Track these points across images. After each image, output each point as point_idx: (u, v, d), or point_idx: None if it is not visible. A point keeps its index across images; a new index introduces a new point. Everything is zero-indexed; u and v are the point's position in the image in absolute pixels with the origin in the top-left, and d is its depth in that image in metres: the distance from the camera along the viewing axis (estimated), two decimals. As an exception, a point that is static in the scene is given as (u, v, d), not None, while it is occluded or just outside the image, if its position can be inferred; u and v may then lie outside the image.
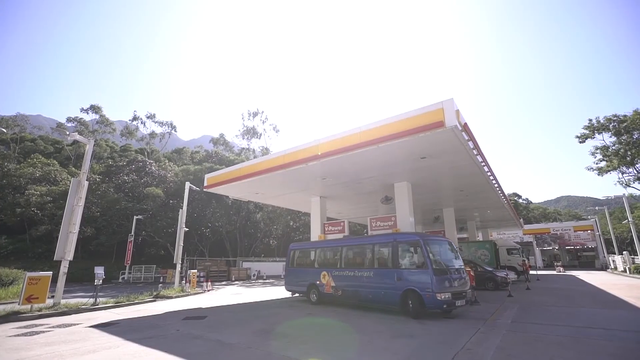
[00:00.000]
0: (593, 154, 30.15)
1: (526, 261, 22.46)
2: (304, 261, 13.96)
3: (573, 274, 28.34)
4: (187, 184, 19.93)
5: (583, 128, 29.67)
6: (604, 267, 35.67)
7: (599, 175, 30.25)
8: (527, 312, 9.94)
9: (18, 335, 7.51)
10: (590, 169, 30.64)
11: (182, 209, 19.21)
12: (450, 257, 9.95)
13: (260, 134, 56.98)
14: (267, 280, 29.27)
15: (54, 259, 11.52)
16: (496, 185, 15.91)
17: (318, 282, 12.39)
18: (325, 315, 10.09)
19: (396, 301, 9.50)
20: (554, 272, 31.35)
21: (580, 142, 30.11)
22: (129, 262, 27.58)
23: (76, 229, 11.81)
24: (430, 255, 9.13)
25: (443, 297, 8.59)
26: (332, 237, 16.29)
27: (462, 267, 9.96)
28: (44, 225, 31.41)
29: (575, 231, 42.50)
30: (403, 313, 9.47)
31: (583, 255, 44.36)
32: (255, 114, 56.96)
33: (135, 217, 28.99)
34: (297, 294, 15.77)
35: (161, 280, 24.97)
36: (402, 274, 9.60)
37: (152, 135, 62.53)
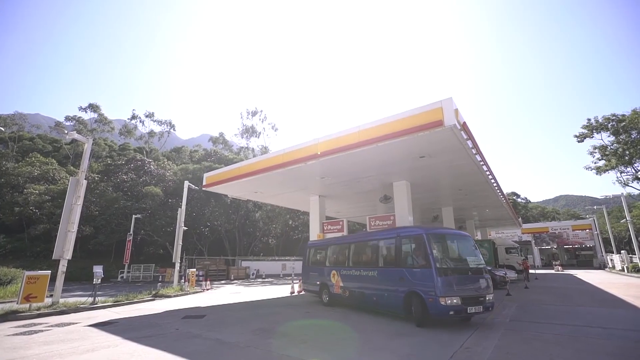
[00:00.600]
0: (591, 153, 30.26)
1: (526, 260, 22.50)
2: (318, 259, 13.27)
3: (571, 273, 28.44)
4: (186, 183, 19.91)
5: (582, 127, 29.76)
6: (602, 266, 35.80)
7: (597, 174, 30.38)
8: (526, 311, 9.97)
9: (16, 334, 7.49)
10: (588, 168, 30.75)
11: (181, 207, 19.17)
12: (465, 254, 8.52)
13: (260, 133, 56.98)
14: (266, 279, 29.28)
15: (53, 257, 11.52)
16: (495, 184, 15.94)
17: (329, 282, 11.73)
18: (325, 314, 10.09)
19: (399, 305, 8.44)
20: (553, 271, 31.45)
21: (578, 142, 30.21)
22: (128, 261, 27.54)
23: (75, 227, 11.79)
24: (435, 252, 7.88)
25: (449, 302, 7.27)
26: (331, 236, 16.34)
27: (482, 266, 8.34)
28: (43, 224, 31.32)
29: (573, 230, 42.64)
30: (407, 319, 8.43)
31: (581, 254, 44.49)
32: (254, 113, 56.94)
33: (134, 216, 28.95)
34: (294, 293, 15.83)
35: (160, 279, 24.90)
36: (404, 274, 8.45)
37: (151, 134, 62.39)
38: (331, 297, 11.60)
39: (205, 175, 16.78)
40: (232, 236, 39.44)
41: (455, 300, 7.35)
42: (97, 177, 36.19)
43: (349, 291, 10.65)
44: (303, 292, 16.19)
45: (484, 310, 7.76)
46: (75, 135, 12.87)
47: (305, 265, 14.04)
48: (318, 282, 12.47)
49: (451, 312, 7.30)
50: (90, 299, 11.82)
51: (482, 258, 8.62)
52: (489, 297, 7.90)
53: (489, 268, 17.63)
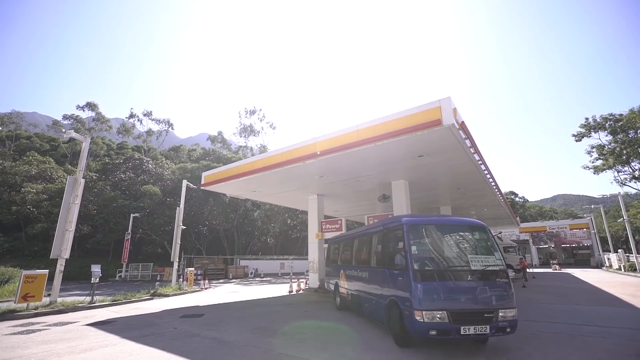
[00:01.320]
0: (589, 152, 30.38)
1: (524, 259, 22.56)
2: (335, 257, 12.13)
3: (569, 272, 28.56)
4: (185, 182, 19.84)
5: (580, 127, 29.88)
6: (599, 265, 35.96)
7: (594, 173, 30.51)
8: (523, 310, 9.99)
9: (14, 333, 7.47)
10: (586, 167, 30.87)
11: (179, 207, 19.14)
12: (468, 251, 6.31)
13: (258, 132, 56.88)
14: (264, 279, 29.28)
15: (50, 257, 11.46)
16: (493, 183, 15.96)
17: (339, 282, 10.65)
18: (324, 314, 10.10)
19: (383, 315, 6.90)
20: (550, 270, 31.59)
21: (576, 141, 30.35)
22: (126, 260, 27.48)
23: (72, 227, 11.75)
24: (415, 248, 6.11)
25: (428, 318, 5.39)
26: (330, 235, 16.32)
27: (498, 267, 5.98)
28: (40, 223, 31.20)
29: (571, 229, 42.78)
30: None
31: (579, 253, 44.70)
32: (253, 112, 56.79)
33: (132, 215, 28.87)
34: (292, 292, 15.84)
35: (158, 278, 24.87)
36: (387, 276, 6.82)
37: (149, 132, 62.06)
38: (341, 299, 10.53)
39: (204, 174, 16.73)
40: (230, 235, 39.41)
41: (439, 316, 5.39)
42: (95, 176, 36.06)
43: (350, 294, 9.47)
44: (302, 291, 16.23)
45: (495, 332, 5.49)
46: (73, 134, 12.80)
47: (326, 263, 13.51)
48: (333, 282, 11.57)
49: (432, 332, 5.37)
50: (88, 298, 11.79)
51: (500, 257, 6.18)
52: (505, 312, 5.56)
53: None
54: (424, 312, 5.42)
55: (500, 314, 5.52)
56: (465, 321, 5.42)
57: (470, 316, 5.47)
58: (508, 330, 5.56)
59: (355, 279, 9.13)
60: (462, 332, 5.35)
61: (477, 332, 5.42)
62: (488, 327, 5.44)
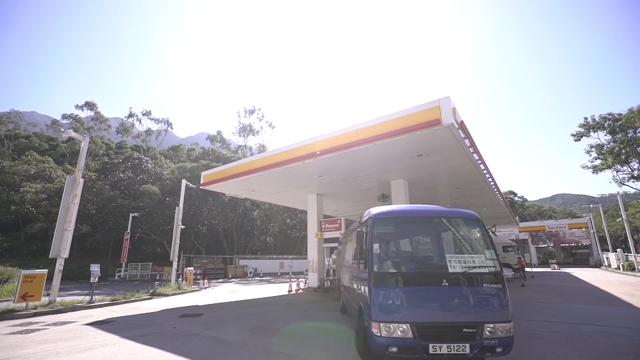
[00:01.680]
0: (588, 152, 30.45)
1: (522, 259, 22.58)
2: (339, 256, 11.17)
3: (568, 271, 28.62)
4: (184, 182, 19.83)
5: (579, 126, 29.96)
6: (598, 265, 36.05)
7: (593, 173, 30.61)
8: (522, 309, 10.02)
9: (13, 333, 7.47)
10: (585, 167, 30.94)
11: (178, 206, 19.13)
12: (449, 249, 5.24)
13: (257, 131, 56.92)
14: (263, 278, 29.27)
15: (50, 256, 11.46)
16: (492, 183, 15.97)
17: (341, 282, 9.78)
18: (323, 313, 10.11)
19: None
20: (549, 270, 31.65)
21: (575, 141, 30.42)
22: (125, 259, 27.43)
23: (72, 226, 11.74)
24: (378, 246, 5.16)
25: (386, 332, 4.42)
26: (329, 234, 16.29)
27: (490, 267, 4.81)
28: (39, 222, 31.18)
29: (570, 229, 42.85)
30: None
31: (577, 252, 44.78)
32: (252, 112, 56.86)
33: (131, 215, 28.83)
34: (292, 291, 15.83)
35: (157, 277, 24.90)
36: (357, 279, 6.07)
37: (148, 132, 62.07)
38: (341, 301, 9.62)
39: (203, 173, 16.72)
40: (229, 235, 39.41)
41: (401, 330, 4.38)
42: (94, 175, 36.03)
43: (345, 296, 8.62)
44: (301, 291, 16.24)
45: (477, 352, 4.33)
46: (72, 134, 12.78)
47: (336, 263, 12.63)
48: (339, 282, 10.59)
49: (392, 349, 4.37)
50: (87, 298, 11.79)
51: (492, 256, 4.92)
52: (494, 327, 4.40)
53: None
54: (381, 325, 4.43)
55: (487, 329, 4.37)
56: (436, 337, 4.34)
57: (443, 331, 4.39)
58: (498, 350, 4.36)
59: (347, 280, 8.34)
60: (430, 351, 4.28)
61: (452, 352, 4.27)
62: (468, 345, 4.30)
